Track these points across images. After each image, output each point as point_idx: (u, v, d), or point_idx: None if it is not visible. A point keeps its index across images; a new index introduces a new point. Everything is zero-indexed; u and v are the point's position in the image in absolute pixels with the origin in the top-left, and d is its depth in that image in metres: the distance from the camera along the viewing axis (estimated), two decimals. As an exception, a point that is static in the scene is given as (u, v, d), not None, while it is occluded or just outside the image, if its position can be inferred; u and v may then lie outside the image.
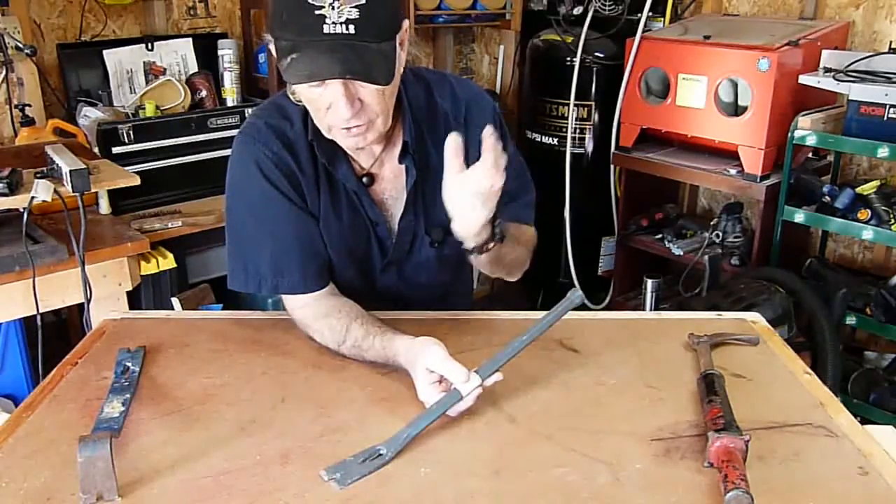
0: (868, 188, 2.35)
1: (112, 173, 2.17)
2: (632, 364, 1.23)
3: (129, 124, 2.51)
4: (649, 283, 2.82)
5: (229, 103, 2.87)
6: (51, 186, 1.96)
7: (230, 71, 2.86)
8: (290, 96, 1.25)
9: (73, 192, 1.96)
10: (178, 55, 2.89)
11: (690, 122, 2.70)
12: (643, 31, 2.82)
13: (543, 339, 1.13)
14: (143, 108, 2.63)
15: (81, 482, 0.89)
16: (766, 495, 0.89)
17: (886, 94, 2.22)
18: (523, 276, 1.41)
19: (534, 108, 3.30)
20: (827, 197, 2.40)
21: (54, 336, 2.47)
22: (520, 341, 1.08)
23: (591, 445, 1.01)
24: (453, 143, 1.08)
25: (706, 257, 2.65)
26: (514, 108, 3.71)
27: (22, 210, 1.94)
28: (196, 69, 2.89)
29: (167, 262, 2.28)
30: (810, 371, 1.21)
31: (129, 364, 1.19)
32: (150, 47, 2.82)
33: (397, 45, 1.12)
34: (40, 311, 1.96)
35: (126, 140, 2.49)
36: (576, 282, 3.16)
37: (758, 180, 2.55)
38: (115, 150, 2.47)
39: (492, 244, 1.16)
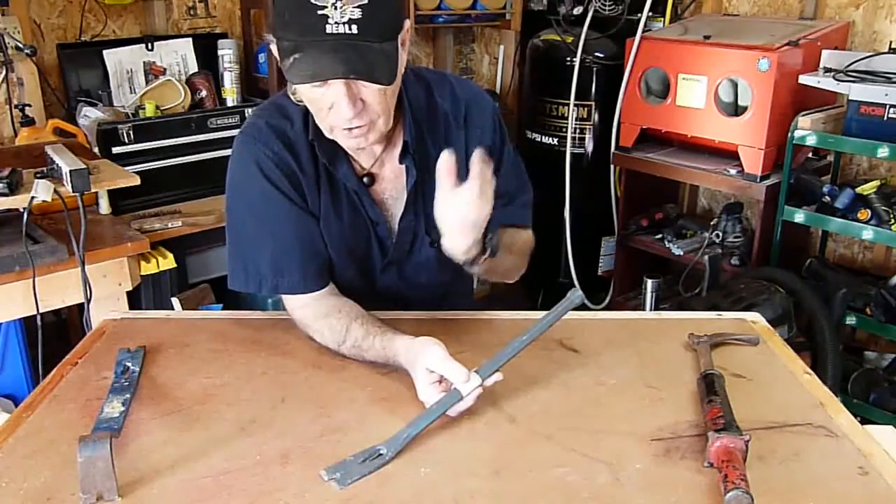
0: (868, 188, 2.35)
1: (112, 173, 2.17)
2: (632, 364, 1.23)
3: (129, 124, 2.51)
4: (649, 283, 2.82)
5: (229, 103, 2.87)
6: (51, 186, 1.96)
7: (230, 71, 2.86)
8: (291, 96, 1.25)
9: (73, 192, 1.96)
10: (178, 55, 2.89)
11: (690, 122, 2.70)
12: (643, 31, 2.82)
13: (543, 339, 1.13)
14: (143, 108, 2.63)
15: (81, 482, 0.89)
16: (766, 495, 0.89)
17: (886, 94, 2.22)
18: (523, 276, 1.41)
19: (534, 108, 3.30)
20: (827, 197, 2.40)
21: (54, 336, 2.47)
22: (520, 341, 1.08)
23: (591, 445, 1.01)
24: (445, 163, 1.08)
25: (706, 257, 2.65)
26: (514, 108, 3.71)
27: (22, 210, 1.94)
28: (196, 69, 2.89)
29: (167, 262, 2.28)
30: (810, 371, 1.21)
31: (129, 364, 1.19)
32: (150, 47, 2.82)
33: (399, 45, 1.12)
34: (40, 311, 1.96)
35: (126, 140, 2.49)
36: (576, 282, 3.16)
37: (758, 180, 2.55)
38: (115, 150, 2.47)
39: (483, 258, 1.16)
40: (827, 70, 2.43)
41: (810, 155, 2.73)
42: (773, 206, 2.53)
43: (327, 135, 1.19)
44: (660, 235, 2.97)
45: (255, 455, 0.99)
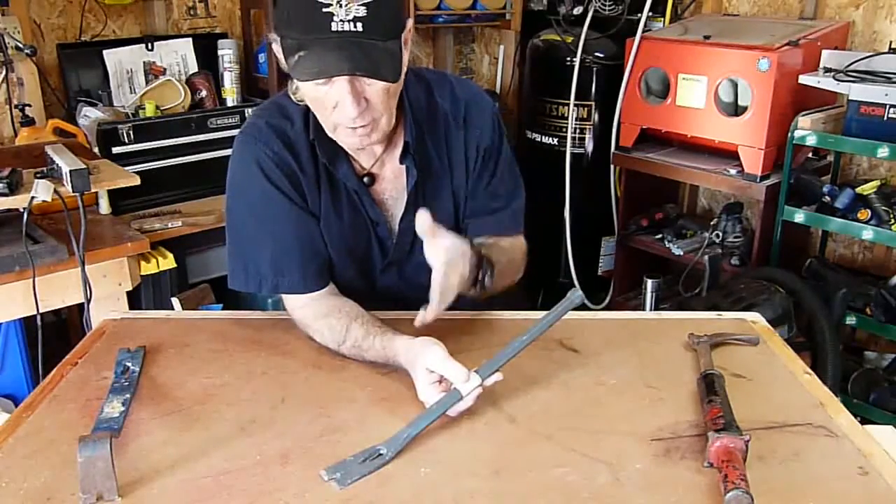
0: (868, 188, 2.35)
1: (112, 173, 2.17)
2: (632, 364, 1.22)
3: (129, 124, 2.51)
4: (649, 283, 2.82)
5: (229, 103, 2.87)
6: (51, 186, 1.96)
7: (230, 71, 2.86)
8: (292, 96, 1.25)
9: (73, 192, 1.96)
10: (178, 55, 2.89)
11: (690, 122, 2.70)
12: (643, 31, 2.82)
13: (543, 339, 1.13)
14: (143, 108, 2.63)
15: (81, 482, 0.89)
16: (766, 495, 0.89)
17: (886, 94, 2.22)
18: (523, 276, 1.42)
19: (534, 108, 3.30)
20: (827, 197, 2.39)
21: (54, 336, 2.47)
22: (520, 341, 1.08)
23: (591, 445, 1.01)
24: (424, 222, 1.10)
25: (706, 257, 2.64)
26: (514, 108, 3.71)
27: (22, 210, 1.94)
28: (196, 69, 2.89)
29: (167, 262, 2.28)
30: (810, 371, 1.21)
31: (129, 364, 1.19)
32: (150, 47, 2.82)
33: (402, 44, 1.12)
34: (40, 311, 1.96)
35: (126, 140, 2.49)
36: (576, 282, 3.16)
37: (758, 180, 2.55)
38: (115, 150, 2.47)
39: (475, 290, 1.19)
40: (827, 70, 2.43)
41: (810, 155, 2.72)
42: (773, 206, 2.53)
43: (330, 134, 1.19)
44: (660, 235, 2.97)
45: (255, 455, 0.99)
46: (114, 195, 2.35)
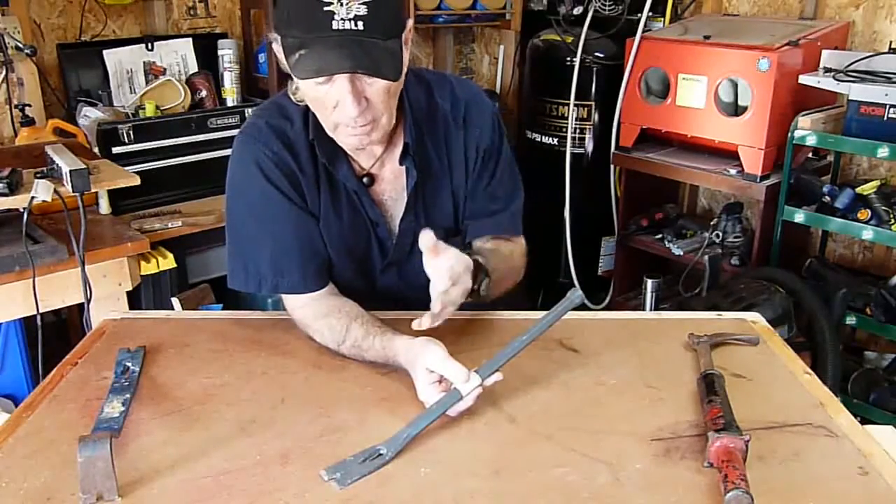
0: (868, 188, 2.35)
1: (112, 173, 2.17)
2: (632, 364, 1.22)
3: (129, 124, 2.51)
4: (649, 283, 2.82)
5: (229, 103, 2.87)
6: (51, 186, 1.96)
7: (230, 71, 2.86)
8: (291, 96, 1.25)
9: (73, 192, 1.96)
10: (178, 55, 2.89)
11: (690, 122, 2.70)
12: (643, 31, 2.82)
13: (543, 339, 1.13)
14: (143, 108, 2.63)
15: (81, 482, 0.89)
16: (766, 495, 0.89)
17: (886, 94, 2.22)
18: (523, 276, 1.42)
19: (534, 108, 3.29)
20: (827, 197, 2.39)
21: (54, 336, 2.47)
22: (520, 341, 1.08)
23: (591, 445, 1.01)
24: (427, 241, 1.10)
25: (706, 257, 2.64)
26: (514, 108, 3.71)
27: (22, 210, 1.94)
28: (196, 69, 2.89)
29: (167, 262, 2.28)
30: (810, 371, 1.21)
31: (129, 364, 1.19)
32: (150, 47, 2.82)
33: (403, 43, 1.12)
34: (40, 311, 1.96)
35: (126, 140, 2.49)
36: (576, 282, 3.16)
37: (758, 180, 2.55)
38: (115, 150, 2.47)
39: (471, 299, 1.19)
40: (827, 70, 2.43)
41: (810, 155, 2.72)
42: (773, 206, 2.53)
43: (330, 134, 1.19)
44: (660, 235, 2.97)
45: (255, 455, 0.99)
46: (114, 195, 2.35)
